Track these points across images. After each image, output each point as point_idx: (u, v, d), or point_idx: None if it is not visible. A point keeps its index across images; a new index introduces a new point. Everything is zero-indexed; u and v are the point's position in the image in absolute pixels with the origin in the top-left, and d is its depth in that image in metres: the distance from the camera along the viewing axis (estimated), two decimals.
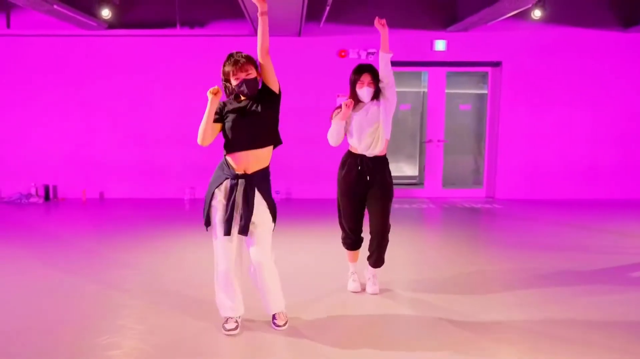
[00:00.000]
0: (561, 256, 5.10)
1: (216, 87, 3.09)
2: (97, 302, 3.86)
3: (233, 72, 3.12)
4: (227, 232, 3.14)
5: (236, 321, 3.25)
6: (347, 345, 3.12)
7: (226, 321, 3.25)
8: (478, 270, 4.67)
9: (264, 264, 3.19)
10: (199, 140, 3.17)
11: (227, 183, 3.16)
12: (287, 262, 4.54)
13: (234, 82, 3.15)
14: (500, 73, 8.36)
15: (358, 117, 3.82)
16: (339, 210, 4.00)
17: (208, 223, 3.23)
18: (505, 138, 8.45)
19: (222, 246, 3.18)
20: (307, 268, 4.74)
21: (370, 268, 4.04)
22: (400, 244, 5.30)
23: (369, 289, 4.02)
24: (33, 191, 8.14)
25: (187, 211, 7.54)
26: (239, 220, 3.13)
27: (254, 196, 3.15)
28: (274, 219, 3.27)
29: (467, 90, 9.58)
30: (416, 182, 9.79)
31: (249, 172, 3.16)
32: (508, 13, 6.76)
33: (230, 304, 3.24)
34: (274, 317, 3.33)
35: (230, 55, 3.17)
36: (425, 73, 8.80)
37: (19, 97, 8.21)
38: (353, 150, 3.90)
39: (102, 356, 2.97)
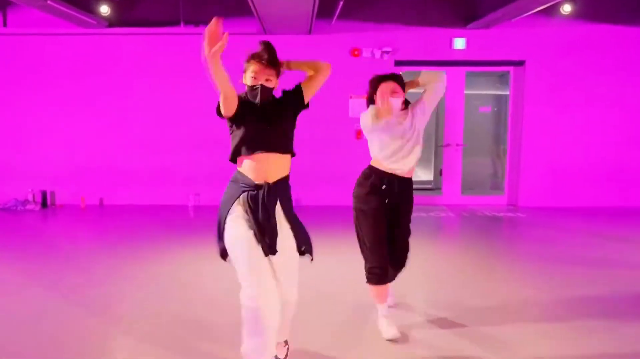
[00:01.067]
0: (596, 275, 4.60)
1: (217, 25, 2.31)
2: (91, 321, 3.53)
3: (253, 70, 2.60)
4: (266, 252, 2.51)
5: None
6: None
7: None
8: (502, 293, 4.18)
9: (290, 303, 2.71)
10: (224, 112, 2.55)
11: (244, 197, 2.55)
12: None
13: (249, 80, 2.61)
14: (524, 73, 7.88)
15: (387, 129, 3.26)
16: (360, 238, 3.33)
17: (225, 252, 2.60)
18: (528, 141, 7.96)
19: (256, 271, 2.48)
20: (321, 286, 4.28)
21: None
22: (415, 258, 4.82)
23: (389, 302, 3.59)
24: (30, 197, 7.81)
25: (191, 218, 7.20)
26: (263, 239, 2.52)
27: (274, 208, 2.59)
28: (306, 248, 2.72)
29: (483, 91, 9.15)
30: (431, 187, 9.37)
31: (271, 180, 2.59)
32: (535, 8, 6.31)
33: (269, 351, 2.52)
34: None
35: (262, 50, 2.61)
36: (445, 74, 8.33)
37: (16, 98, 7.88)
38: (377, 166, 3.34)
39: None
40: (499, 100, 9.28)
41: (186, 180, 7.95)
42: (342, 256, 5.00)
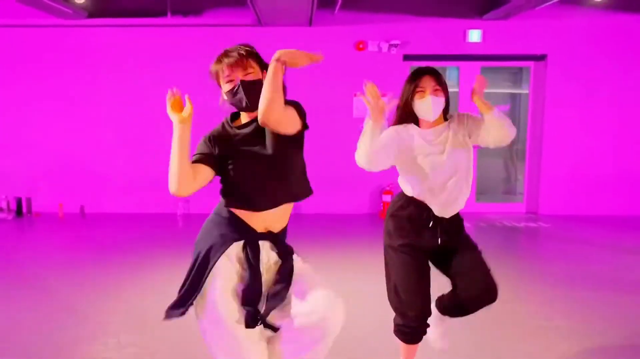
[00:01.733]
0: (633, 299, 3.99)
1: (174, 93, 1.98)
2: (69, 346, 3.21)
3: (223, 70, 1.98)
4: (253, 322, 1.90)
5: None
6: None
7: None
8: (527, 323, 3.52)
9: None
10: (172, 189, 1.94)
11: (238, 248, 1.96)
12: None
13: (225, 87, 1.99)
14: (545, 69, 7.25)
15: (425, 151, 2.47)
16: (390, 281, 2.55)
17: (187, 301, 1.94)
18: (550, 143, 7.33)
19: (241, 346, 1.89)
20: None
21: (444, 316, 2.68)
22: None
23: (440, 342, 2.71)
24: (3, 205, 7.28)
25: (179, 228, 6.72)
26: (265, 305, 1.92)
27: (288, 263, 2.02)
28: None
29: (497, 89, 8.55)
30: None
31: (275, 230, 2.04)
32: None
33: None
34: None
35: (224, 52, 2.01)
36: (454, 70, 7.69)
37: None
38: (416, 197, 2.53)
39: None
40: (513, 98, 8.73)
41: None
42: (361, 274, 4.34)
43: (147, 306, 3.90)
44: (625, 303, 3.97)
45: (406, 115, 2.51)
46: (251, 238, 1.96)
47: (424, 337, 2.55)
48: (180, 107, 1.98)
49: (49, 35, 7.22)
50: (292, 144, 2.00)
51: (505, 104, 8.37)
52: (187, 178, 1.92)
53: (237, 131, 2.02)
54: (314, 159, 6.97)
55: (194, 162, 1.97)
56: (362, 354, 3.13)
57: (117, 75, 7.25)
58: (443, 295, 2.63)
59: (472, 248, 2.55)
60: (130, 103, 7.32)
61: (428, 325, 2.51)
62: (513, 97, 8.75)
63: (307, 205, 7.23)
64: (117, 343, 3.28)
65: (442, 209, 2.48)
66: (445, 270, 2.54)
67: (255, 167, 1.96)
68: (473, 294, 2.43)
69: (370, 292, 4.03)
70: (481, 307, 2.47)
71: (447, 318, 2.64)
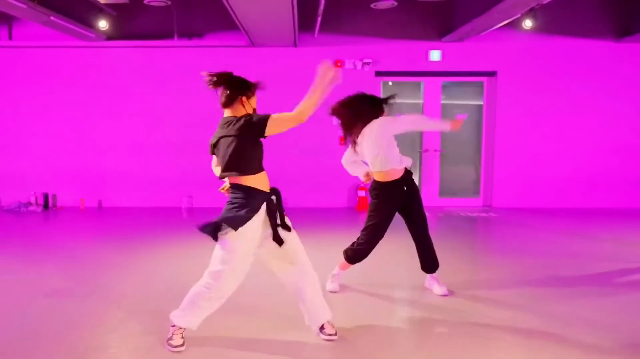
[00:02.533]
0: (559, 263, 5.09)
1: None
2: (93, 308, 3.87)
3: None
4: (280, 241, 3.10)
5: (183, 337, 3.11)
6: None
7: (176, 335, 3.08)
8: (472, 273, 4.67)
9: (312, 274, 3.19)
10: (272, 132, 3.04)
11: (264, 207, 3.06)
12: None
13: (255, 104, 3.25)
14: (496, 83, 8.39)
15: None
16: (375, 227, 3.95)
17: (216, 234, 3.04)
18: (501, 146, 8.45)
19: (242, 263, 3.04)
20: None
21: (430, 276, 4.20)
22: (393, 251, 5.30)
23: (440, 291, 4.11)
24: (32, 199, 8.23)
25: (184, 220, 7.55)
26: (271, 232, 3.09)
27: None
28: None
29: (466, 101, 9.60)
30: None
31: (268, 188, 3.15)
32: (499, 23, 6.81)
33: (197, 322, 3.12)
34: (322, 327, 3.23)
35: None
36: (422, 84, 8.80)
37: (20, 106, 8.35)
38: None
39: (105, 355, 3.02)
40: (478, 109, 9.73)
41: (179, 183, 8.37)
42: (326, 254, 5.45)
43: (155, 282, 4.55)
44: (556, 267, 5.01)
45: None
46: (268, 197, 3.08)
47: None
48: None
49: (74, 55, 8.24)
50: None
51: (464, 113, 9.41)
52: None
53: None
54: (298, 161, 8.11)
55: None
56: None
57: (131, 88, 8.26)
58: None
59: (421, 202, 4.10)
60: (141, 112, 8.32)
61: None
62: (479, 108, 9.80)
63: (291, 200, 8.26)
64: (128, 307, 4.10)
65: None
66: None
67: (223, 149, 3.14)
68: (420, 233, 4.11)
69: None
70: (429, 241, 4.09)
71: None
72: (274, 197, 3.11)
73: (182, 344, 3.05)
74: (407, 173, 3.99)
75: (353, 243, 4.06)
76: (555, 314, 3.69)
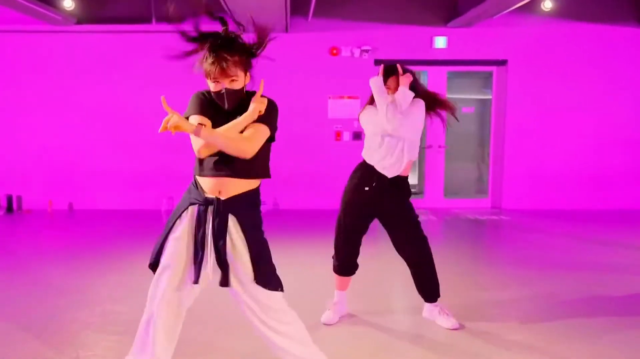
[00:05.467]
0: (580, 277, 4.44)
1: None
2: (54, 333, 3.30)
3: (213, 73, 2.23)
4: (196, 279, 2.24)
5: None
6: None
7: None
8: (484, 295, 3.96)
9: (269, 305, 2.28)
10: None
11: (193, 210, 2.27)
12: None
13: (212, 86, 2.27)
14: (506, 73, 7.74)
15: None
16: (339, 228, 3.35)
17: (157, 263, 2.29)
18: (511, 143, 7.81)
19: (160, 291, 2.26)
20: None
21: (427, 304, 3.42)
22: (396, 263, 4.61)
23: (445, 324, 3.32)
24: None
25: (163, 223, 6.87)
26: (213, 265, 2.24)
27: (225, 230, 2.23)
28: (264, 282, 2.27)
29: (469, 95, 9.02)
30: (415, 192, 9.17)
31: (224, 196, 2.25)
32: (515, 4, 6.14)
33: None
34: None
35: (215, 45, 2.27)
36: (424, 75, 8.15)
37: None
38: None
39: None
40: (485, 104, 9.18)
41: (159, 184, 7.72)
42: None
43: (130, 287, 4.22)
44: (572, 277, 4.45)
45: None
46: (202, 202, 2.24)
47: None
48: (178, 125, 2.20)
49: (39, 40, 7.55)
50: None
51: (470, 107, 8.82)
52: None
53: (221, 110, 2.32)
54: (291, 158, 7.43)
55: (193, 114, 2.33)
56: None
57: (104, 78, 7.58)
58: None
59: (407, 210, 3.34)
60: (116, 105, 7.64)
61: (357, 265, 3.44)
62: (484, 102, 9.20)
63: (283, 202, 7.64)
64: (101, 313, 3.65)
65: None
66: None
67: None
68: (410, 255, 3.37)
69: None
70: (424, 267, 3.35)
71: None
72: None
73: None
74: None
75: None
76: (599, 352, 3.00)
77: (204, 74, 2.28)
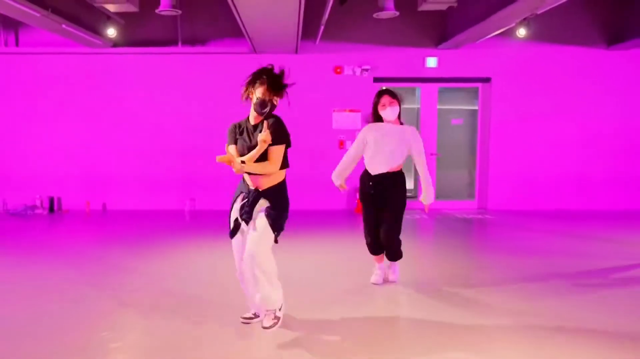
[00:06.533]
0: (555, 261, 5.31)
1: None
2: (100, 304, 4.05)
3: (256, 88, 3.29)
4: (232, 234, 3.41)
5: (253, 314, 3.57)
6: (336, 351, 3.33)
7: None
8: (472, 274, 4.90)
9: (253, 254, 3.28)
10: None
11: (242, 197, 3.39)
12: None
13: (254, 97, 3.30)
14: (490, 89, 8.65)
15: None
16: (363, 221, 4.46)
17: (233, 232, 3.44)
18: (495, 150, 8.71)
19: (233, 246, 3.46)
20: (308, 273, 4.97)
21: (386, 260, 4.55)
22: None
23: (389, 277, 4.52)
24: (38, 203, 8.36)
25: (187, 223, 7.65)
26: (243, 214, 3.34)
27: (257, 201, 3.33)
28: (275, 229, 3.35)
29: (461, 106, 9.86)
30: (412, 195, 9.99)
31: (262, 188, 3.32)
32: (493, 32, 7.06)
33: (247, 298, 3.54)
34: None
35: (263, 77, 3.30)
36: (419, 90, 9.04)
37: (26, 111, 8.50)
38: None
39: (106, 349, 3.21)
40: (473, 114, 10.00)
41: (182, 186, 8.54)
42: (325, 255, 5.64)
43: (158, 283, 4.72)
44: (546, 265, 5.31)
45: (375, 118, 4.32)
46: (247, 192, 3.37)
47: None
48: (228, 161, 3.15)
49: (81, 61, 8.41)
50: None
51: (460, 118, 9.71)
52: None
53: (247, 124, 3.37)
54: (300, 164, 8.31)
55: (230, 144, 3.37)
56: (336, 316, 4.46)
57: (136, 94, 8.45)
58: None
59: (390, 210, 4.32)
60: (145, 117, 8.50)
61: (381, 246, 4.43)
62: (475, 113, 10.07)
63: (293, 203, 8.46)
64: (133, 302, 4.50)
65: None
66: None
67: (244, 148, 3.31)
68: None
69: (344, 272, 5.37)
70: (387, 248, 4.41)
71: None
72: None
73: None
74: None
75: None
76: (554, 310, 3.93)
77: (249, 86, 3.34)
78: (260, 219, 3.30)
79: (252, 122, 3.33)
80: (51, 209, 8.39)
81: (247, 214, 3.31)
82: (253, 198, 3.30)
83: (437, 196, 8.96)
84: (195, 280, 4.63)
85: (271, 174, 3.30)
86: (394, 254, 4.41)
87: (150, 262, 5.29)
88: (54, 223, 7.68)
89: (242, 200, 3.38)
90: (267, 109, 3.27)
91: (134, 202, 8.61)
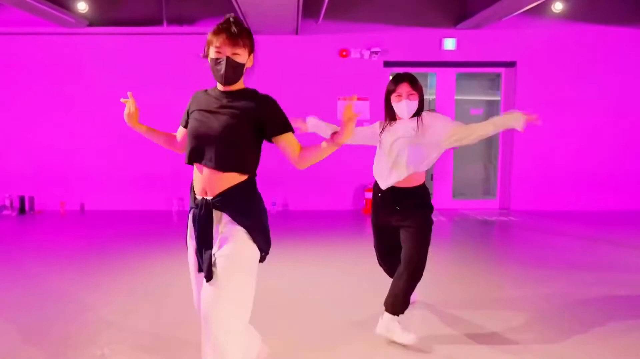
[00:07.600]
0: (593, 277, 4.48)
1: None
2: (72, 329, 3.34)
3: (216, 41, 2.18)
4: (199, 268, 2.28)
5: None
6: None
7: None
8: (496, 296, 4.01)
9: (208, 317, 2.15)
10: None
11: (192, 214, 2.33)
12: (277, 286, 3.90)
13: (212, 54, 2.21)
14: (515, 75, 7.79)
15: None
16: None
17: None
18: (520, 145, 7.87)
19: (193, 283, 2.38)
20: (300, 292, 4.09)
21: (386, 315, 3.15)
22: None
23: (402, 339, 3.08)
24: (7, 202, 7.62)
25: (175, 224, 6.99)
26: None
27: (211, 227, 2.24)
28: (262, 253, 2.30)
29: (477, 96, 9.08)
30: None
31: (211, 194, 2.24)
32: (526, 6, 6.21)
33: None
34: None
35: (225, 21, 2.20)
36: (433, 77, 8.18)
37: None
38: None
39: None
40: (492, 105, 9.24)
41: (170, 185, 7.79)
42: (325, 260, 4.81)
43: (143, 292, 4.19)
44: (576, 277, 4.49)
45: (388, 112, 3.22)
46: (194, 205, 2.29)
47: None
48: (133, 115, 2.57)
49: (51, 42, 7.63)
50: (254, 133, 2.30)
51: (478, 109, 8.86)
52: (170, 145, 2.68)
53: (209, 94, 2.33)
54: None
55: (182, 126, 2.54)
56: (344, 327, 3.61)
57: (115, 80, 7.64)
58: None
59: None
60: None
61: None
62: (491, 103, 9.26)
63: (295, 202, 7.67)
64: (117, 316, 3.70)
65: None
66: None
67: (202, 128, 2.25)
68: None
69: (352, 276, 4.52)
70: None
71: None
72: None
73: None
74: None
75: None
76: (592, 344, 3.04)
77: (207, 45, 2.25)
78: (235, 245, 2.20)
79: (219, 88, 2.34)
80: (22, 210, 7.64)
81: (202, 252, 2.25)
82: (206, 213, 2.23)
83: (454, 194, 8.20)
84: (173, 316, 3.77)
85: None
86: (396, 299, 3.19)
87: (134, 273, 4.63)
88: (24, 226, 6.95)
89: (193, 220, 2.30)
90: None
91: (116, 202, 7.84)
